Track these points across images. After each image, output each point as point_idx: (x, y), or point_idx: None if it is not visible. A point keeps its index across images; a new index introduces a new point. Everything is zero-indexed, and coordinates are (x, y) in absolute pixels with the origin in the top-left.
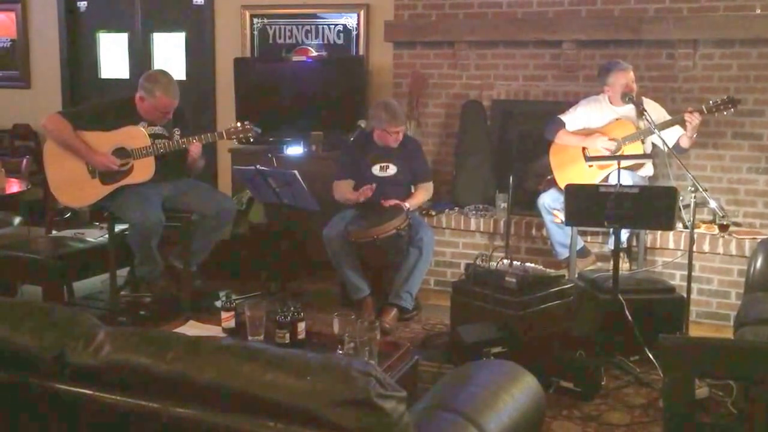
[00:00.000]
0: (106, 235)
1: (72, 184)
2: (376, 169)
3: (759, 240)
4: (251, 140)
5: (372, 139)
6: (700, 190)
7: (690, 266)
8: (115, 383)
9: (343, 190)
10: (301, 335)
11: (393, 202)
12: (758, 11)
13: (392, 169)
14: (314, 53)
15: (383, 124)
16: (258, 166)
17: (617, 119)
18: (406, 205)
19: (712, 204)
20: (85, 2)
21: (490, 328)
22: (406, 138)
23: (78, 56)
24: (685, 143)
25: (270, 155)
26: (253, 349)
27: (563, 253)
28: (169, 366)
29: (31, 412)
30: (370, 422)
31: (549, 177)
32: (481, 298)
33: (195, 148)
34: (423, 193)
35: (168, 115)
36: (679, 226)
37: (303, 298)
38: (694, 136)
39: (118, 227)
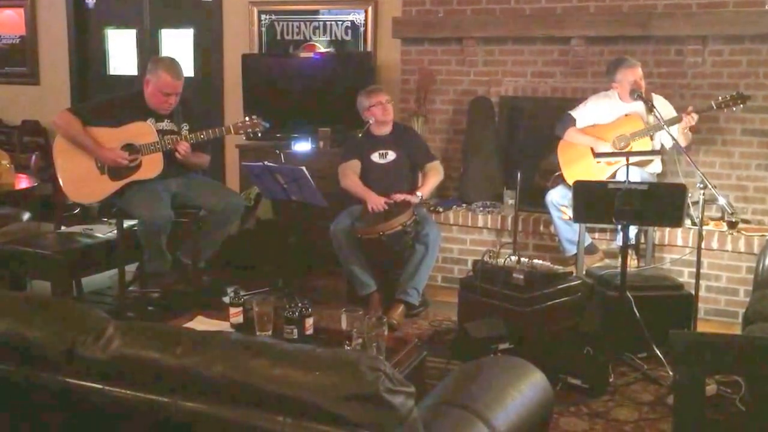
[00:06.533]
0: (115, 231)
1: (81, 180)
2: (375, 157)
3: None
4: (259, 135)
5: (370, 131)
6: (709, 186)
7: (698, 263)
8: (125, 377)
9: (351, 176)
10: (309, 331)
11: (402, 196)
12: None
13: (391, 156)
14: (322, 49)
15: (366, 103)
16: (266, 162)
17: (626, 115)
18: (418, 194)
19: (721, 201)
20: None
21: (497, 324)
22: (399, 126)
23: (86, 53)
24: (681, 141)
25: (278, 151)
26: (261, 344)
27: (571, 249)
28: (178, 360)
29: (41, 406)
30: (378, 417)
31: (557, 173)
32: (489, 294)
33: (182, 147)
34: (434, 176)
35: (170, 100)
36: (688, 223)
37: (311, 294)
38: (688, 133)
39: (127, 223)
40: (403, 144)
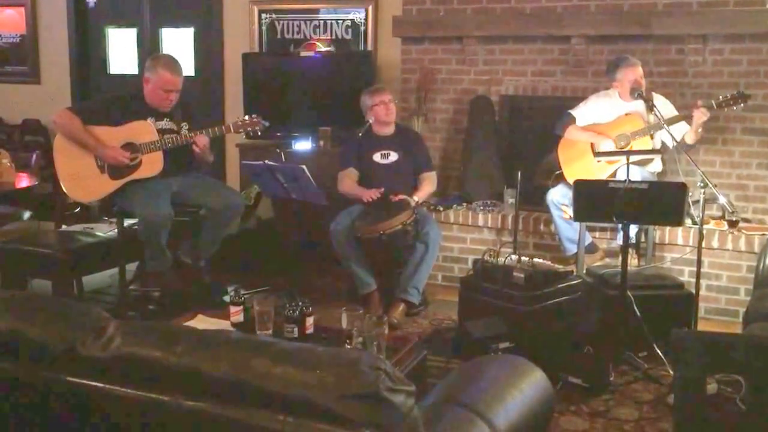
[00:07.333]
0: (116, 230)
1: (81, 179)
2: (377, 157)
3: None
4: (259, 133)
5: (372, 131)
6: (710, 185)
7: (699, 262)
8: (125, 376)
9: (347, 181)
10: (310, 330)
11: (401, 196)
12: None
13: (393, 156)
14: (322, 48)
15: (369, 102)
16: (267, 161)
17: (627, 114)
18: (415, 198)
19: (721, 200)
20: None
21: (497, 323)
22: (406, 128)
23: (87, 51)
24: (690, 139)
25: (279, 150)
26: (262, 343)
27: (571, 248)
28: (178, 359)
29: (41, 405)
30: (379, 416)
31: (557, 172)
32: (489, 293)
33: (201, 140)
34: (428, 185)
35: (170, 96)
36: (688, 222)
37: (311, 293)
38: (700, 131)
39: (127, 222)
40: (405, 147)
